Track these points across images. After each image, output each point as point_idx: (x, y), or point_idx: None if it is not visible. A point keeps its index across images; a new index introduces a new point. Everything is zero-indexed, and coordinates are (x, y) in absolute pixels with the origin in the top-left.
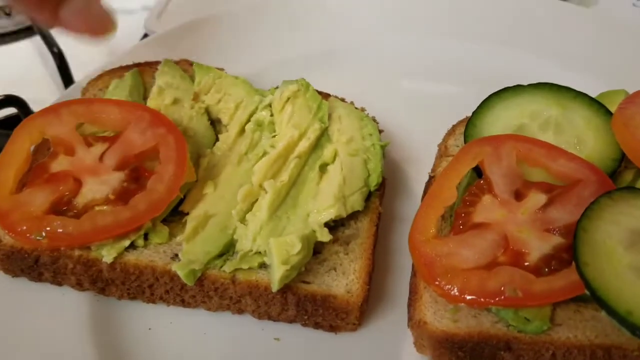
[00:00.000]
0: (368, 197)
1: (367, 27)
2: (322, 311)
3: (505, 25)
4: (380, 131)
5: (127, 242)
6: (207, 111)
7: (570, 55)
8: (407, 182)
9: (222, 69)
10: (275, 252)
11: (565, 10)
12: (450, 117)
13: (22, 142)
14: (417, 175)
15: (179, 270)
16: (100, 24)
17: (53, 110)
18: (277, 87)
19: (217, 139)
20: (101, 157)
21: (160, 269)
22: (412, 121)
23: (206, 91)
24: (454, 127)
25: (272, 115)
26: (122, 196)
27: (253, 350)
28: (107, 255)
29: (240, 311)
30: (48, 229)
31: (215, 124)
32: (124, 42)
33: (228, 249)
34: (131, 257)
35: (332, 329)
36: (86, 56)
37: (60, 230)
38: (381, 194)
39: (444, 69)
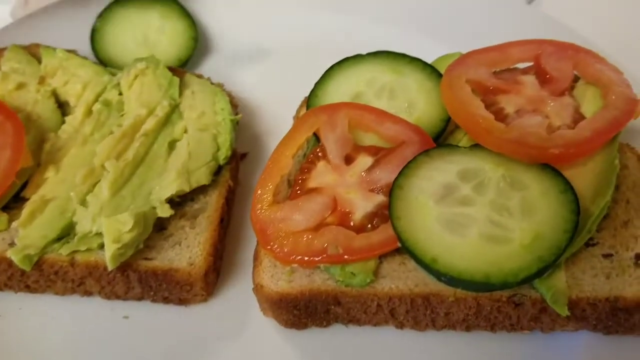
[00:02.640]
0: (218, 172)
1: (229, 6)
2: (166, 285)
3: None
4: (236, 106)
5: None
6: (55, 94)
7: (415, 20)
8: (267, 155)
9: (73, 51)
10: (107, 230)
11: None
12: (309, 89)
13: None
14: None
15: (14, 255)
16: None
17: None
18: None
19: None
20: None
21: None
22: (273, 94)
23: (53, 74)
24: (306, 99)
25: (120, 94)
26: None
27: (102, 330)
28: None
29: (87, 293)
30: None
31: (65, 107)
32: None
33: (68, 232)
34: None
35: (182, 302)
36: None
37: None
38: (233, 167)
39: (302, 42)
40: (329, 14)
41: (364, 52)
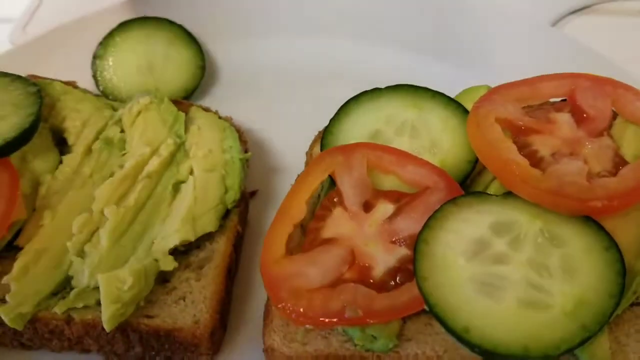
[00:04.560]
0: (226, 215)
1: (237, 33)
2: (168, 346)
3: (376, 25)
4: (245, 142)
5: None
6: (53, 131)
7: (445, 48)
8: (280, 193)
9: (73, 82)
10: (104, 289)
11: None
12: (323, 122)
13: None
14: (290, 185)
15: (5, 315)
16: None
17: None
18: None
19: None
20: None
21: None
22: (284, 127)
23: (50, 109)
24: (320, 133)
25: (122, 131)
26: None
27: None
28: None
29: (85, 351)
30: None
31: (62, 145)
32: None
33: (65, 286)
34: None
35: None
36: None
37: None
38: (242, 210)
39: (315, 72)
40: (344, 42)
41: (381, 83)
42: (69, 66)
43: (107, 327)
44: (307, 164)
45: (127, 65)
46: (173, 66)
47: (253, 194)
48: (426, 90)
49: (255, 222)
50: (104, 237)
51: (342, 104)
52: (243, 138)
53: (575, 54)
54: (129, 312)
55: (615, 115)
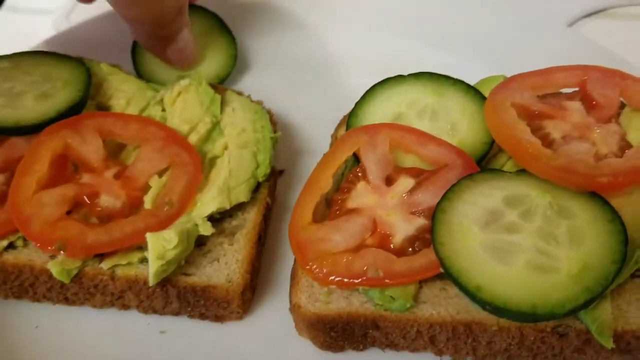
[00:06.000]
0: (257, 189)
1: (268, 21)
2: (203, 302)
3: (403, 17)
4: (275, 123)
5: (5, 243)
6: (100, 108)
7: (463, 42)
8: (304, 173)
9: (117, 66)
10: (152, 247)
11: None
12: (348, 108)
13: None
14: (314, 165)
15: (53, 268)
16: (187, 61)
17: None
18: None
19: None
20: None
21: (38, 268)
22: (310, 112)
23: (97, 88)
24: (345, 118)
25: (163, 110)
26: (1, 198)
27: (137, 344)
28: None
29: (125, 307)
30: None
31: None
32: (35, 42)
33: None
34: (9, 257)
35: (218, 318)
36: None
37: None
38: (271, 184)
39: (343, 61)
40: (369, 34)
41: (404, 73)
42: (110, 53)
43: (152, 281)
44: (331, 145)
45: None
46: (208, 53)
47: (280, 173)
48: (447, 78)
49: (281, 198)
50: (147, 203)
51: (363, 92)
52: (273, 120)
53: (591, 53)
54: (170, 269)
55: (623, 105)
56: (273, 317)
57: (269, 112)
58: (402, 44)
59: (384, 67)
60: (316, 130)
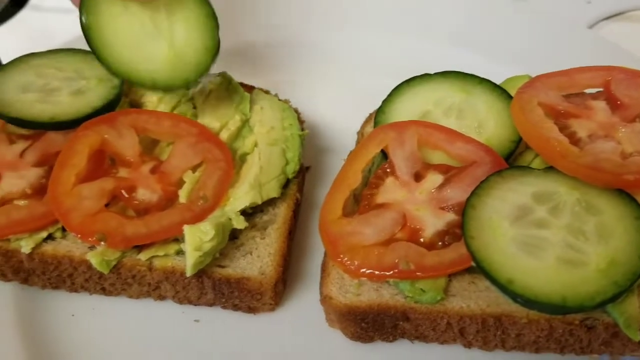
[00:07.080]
0: (286, 185)
1: (293, 21)
2: (237, 293)
3: (428, 18)
4: (302, 122)
5: (44, 234)
6: (132, 105)
7: (487, 44)
8: (330, 169)
9: None
10: (189, 239)
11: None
12: (373, 106)
13: None
14: (340, 162)
15: (92, 259)
16: None
17: None
18: None
19: None
20: (22, 154)
21: (77, 259)
22: (337, 111)
23: (129, 86)
24: (371, 115)
25: (194, 107)
26: (40, 191)
27: (173, 333)
28: (25, 246)
29: (161, 297)
30: None
31: None
32: (58, 40)
33: None
34: (49, 248)
35: (251, 310)
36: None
37: None
38: (300, 181)
39: (367, 61)
40: (395, 35)
41: (429, 72)
42: None
43: (189, 272)
44: (358, 142)
45: None
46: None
47: (307, 169)
48: (473, 76)
49: (308, 194)
50: (181, 197)
51: (387, 91)
52: (300, 118)
53: (612, 55)
54: (207, 261)
55: None
56: (304, 308)
57: (295, 111)
58: (427, 44)
59: (409, 67)
60: (342, 128)
